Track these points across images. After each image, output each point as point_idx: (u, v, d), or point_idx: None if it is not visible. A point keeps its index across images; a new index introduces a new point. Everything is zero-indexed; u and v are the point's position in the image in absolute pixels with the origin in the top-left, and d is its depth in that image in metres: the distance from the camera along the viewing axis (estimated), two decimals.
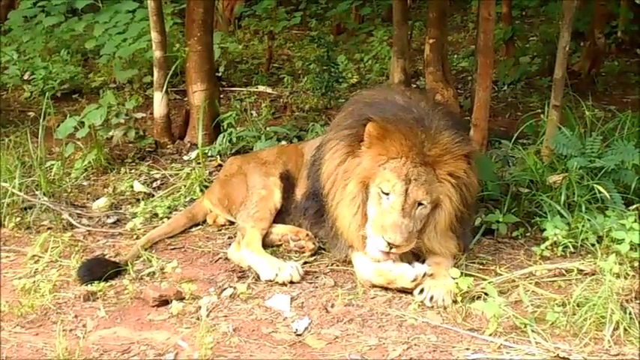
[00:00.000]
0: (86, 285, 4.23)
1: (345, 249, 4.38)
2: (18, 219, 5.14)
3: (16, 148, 6.21)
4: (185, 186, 5.63)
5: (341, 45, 10.20)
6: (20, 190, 5.35)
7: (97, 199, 5.58)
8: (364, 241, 4.13)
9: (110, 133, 6.37)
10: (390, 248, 3.96)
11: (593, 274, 4.02)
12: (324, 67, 7.75)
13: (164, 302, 4.02)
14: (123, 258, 4.55)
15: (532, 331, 3.58)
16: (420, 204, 4.00)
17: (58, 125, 6.26)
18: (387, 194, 3.99)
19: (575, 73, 7.89)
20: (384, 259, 4.04)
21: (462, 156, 4.06)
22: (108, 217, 5.30)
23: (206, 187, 5.51)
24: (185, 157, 6.39)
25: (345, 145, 4.23)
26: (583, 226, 4.49)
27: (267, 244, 4.65)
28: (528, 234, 4.74)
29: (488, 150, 5.76)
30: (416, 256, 4.22)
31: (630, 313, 3.61)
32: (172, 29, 8.57)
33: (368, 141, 4.09)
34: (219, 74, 8.52)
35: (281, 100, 8.01)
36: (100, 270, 4.33)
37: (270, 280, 4.25)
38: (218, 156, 6.22)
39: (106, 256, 4.65)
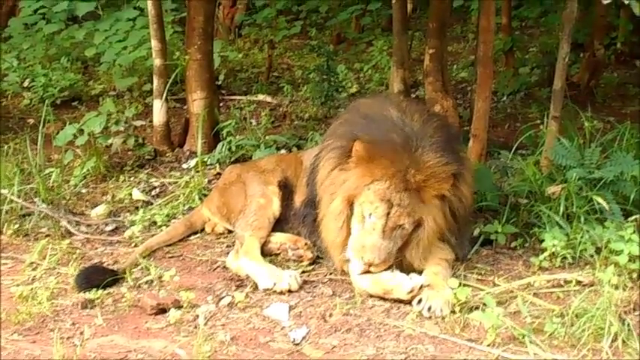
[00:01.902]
0: (84, 293, 4.22)
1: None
2: (16, 226, 5.14)
3: (15, 155, 6.22)
4: (184, 194, 5.62)
5: (341, 54, 10.22)
6: (19, 197, 5.35)
7: (95, 206, 5.58)
8: (346, 264, 4.21)
9: (109, 141, 6.37)
10: (369, 266, 4.01)
11: (592, 285, 4.02)
12: (324, 77, 7.75)
13: (162, 310, 4.01)
14: (121, 266, 4.54)
15: (530, 341, 3.58)
16: (401, 225, 4.03)
17: (58, 132, 6.25)
18: (369, 215, 4.02)
19: (574, 84, 7.89)
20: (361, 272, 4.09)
21: (447, 177, 4.07)
22: (106, 224, 5.30)
23: (205, 195, 5.51)
24: (184, 166, 6.38)
25: (335, 157, 4.27)
26: (582, 237, 4.48)
27: (265, 252, 4.64)
28: (527, 244, 4.73)
29: (488, 160, 5.76)
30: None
31: (628, 325, 3.61)
32: (172, 37, 8.59)
33: (355, 159, 4.12)
34: (219, 83, 8.53)
35: (280, 108, 8.02)
36: (98, 278, 4.32)
37: (269, 289, 4.24)
38: (217, 164, 6.21)
39: (104, 264, 4.64)
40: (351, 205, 4.14)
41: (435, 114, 4.98)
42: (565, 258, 4.40)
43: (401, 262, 4.15)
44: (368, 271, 4.05)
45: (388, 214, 4.00)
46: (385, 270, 4.06)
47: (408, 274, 4.10)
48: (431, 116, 4.49)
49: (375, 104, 4.55)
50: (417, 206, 4.05)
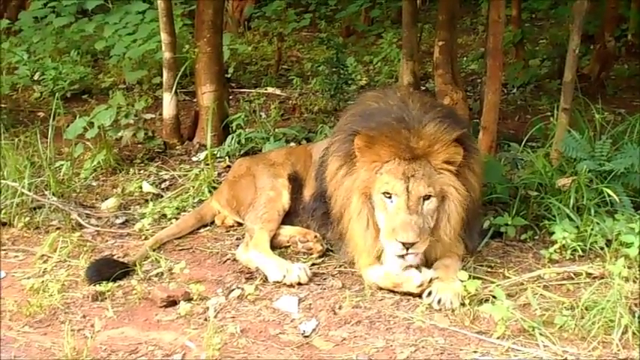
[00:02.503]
0: (94, 285, 4.24)
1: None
2: (27, 219, 5.16)
3: (25, 148, 6.22)
4: (194, 187, 5.63)
5: (350, 47, 10.21)
6: (29, 190, 5.36)
7: (105, 199, 5.60)
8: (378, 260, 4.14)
9: (119, 134, 6.38)
10: (407, 249, 3.91)
11: (602, 278, 4.01)
12: (334, 69, 7.75)
13: (172, 303, 4.03)
14: (131, 258, 4.56)
15: (540, 334, 3.57)
16: (425, 198, 3.98)
17: (68, 125, 6.28)
18: (390, 196, 3.99)
19: (584, 76, 7.85)
20: (403, 269, 4.02)
21: (454, 141, 4.03)
22: (116, 217, 5.31)
23: (215, 188, 5.51)
24: (194, 158, 6.39)
25: (340, 157, 4.25)
26: (592, 229, 4.47)
27: (275, 245, 4.65)
28: (537, 237, 4.73)
29: (497, 153, 5.75)
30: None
31: (639, 317, 3.60)
32: (182, 30, 8.58)
33: (359, 153, 4.11)
34: (229, 75, 8.53)
35: (290, 101, 8.02)
36: (109, 270, 4.34)
37: (278, 282, 4.25)
38: (227, 157, 6.22)
39: (115, 257, 4.66)
40: (369, 198, 4.09)
41: (440, 105, 4.95)
42: (575, 250, 4.39)
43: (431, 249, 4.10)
44: (407, 260, 3.96)
45: (407, 188, 3.95)
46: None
47: (433, 262, 4.09)
48: (434, 106, 4.44)
49: (379, 97, 4.53)
50: (433, 176, 4.01)
